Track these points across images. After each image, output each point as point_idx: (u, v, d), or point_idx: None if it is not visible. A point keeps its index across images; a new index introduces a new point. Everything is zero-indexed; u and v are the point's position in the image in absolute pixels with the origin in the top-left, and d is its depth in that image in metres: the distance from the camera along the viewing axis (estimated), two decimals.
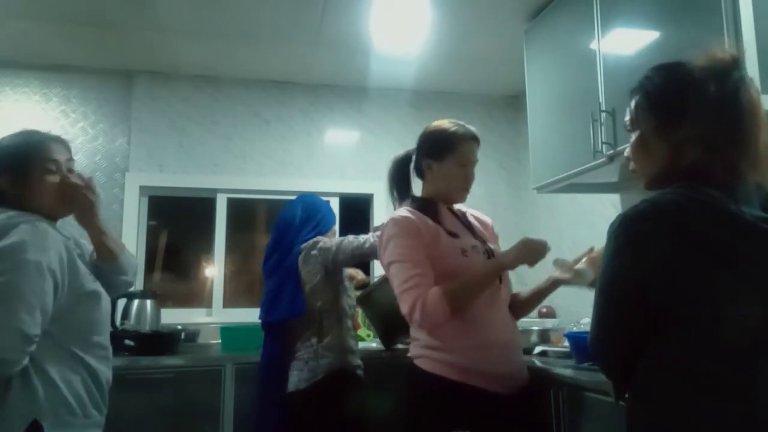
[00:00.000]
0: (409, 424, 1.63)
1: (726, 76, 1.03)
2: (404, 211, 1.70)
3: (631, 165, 1.18)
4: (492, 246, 1.79)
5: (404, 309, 1.59)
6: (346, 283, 2.29)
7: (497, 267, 1.63)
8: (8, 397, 1.31)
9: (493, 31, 2.85)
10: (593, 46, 2.14)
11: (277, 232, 2.32)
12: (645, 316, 1.02)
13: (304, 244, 2.22)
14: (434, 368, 1.59)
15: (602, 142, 2.04)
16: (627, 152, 1.18)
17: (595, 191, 2.60)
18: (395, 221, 1.67)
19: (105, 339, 1.50)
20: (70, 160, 1.56)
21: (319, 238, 2.23)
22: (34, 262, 1.33)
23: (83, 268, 1.46)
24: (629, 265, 1.02)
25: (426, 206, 1.73)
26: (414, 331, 1.68)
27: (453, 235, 1.68)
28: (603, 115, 2.05)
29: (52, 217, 1.49)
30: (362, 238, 2.16)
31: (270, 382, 2.19)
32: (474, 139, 1.77)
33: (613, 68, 2.04)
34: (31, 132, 1.55)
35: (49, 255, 1.36)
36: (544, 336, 2.38)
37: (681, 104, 1.05)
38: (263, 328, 2.28)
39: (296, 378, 2.10)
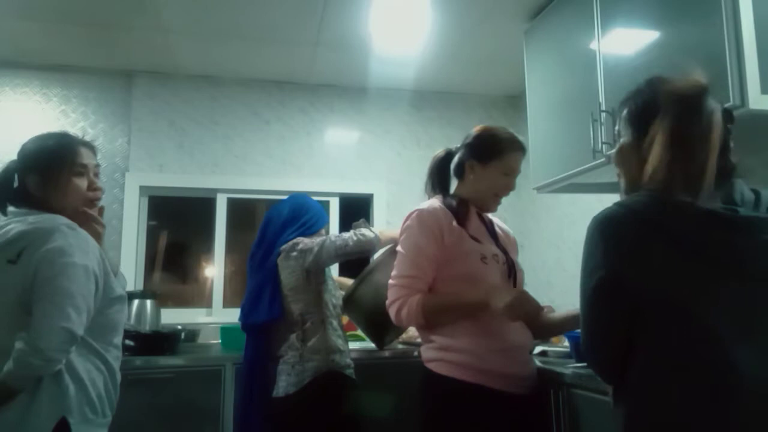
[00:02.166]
0: (430, 429, 1.62)
1: (685, 104, 1.07)
2: (433, 204, 1.70)
3: (616, 170, 1.24)
4: (514, 258, 1.81)
5: (387, 301, 1.66)
6: (330, 281, 2.25)
7: (483, 303, 1.56)
8: (40, 394, 1.34)
9: (493, 32, 2.85)
10: (593, 46, 2.14)
11: (261, 229, 2.29)
12: (629, 313, 1.05)
13: (283, 246, 2.18)
14: (451, 371, 1.58)
15: (602, 142, 2.04)
16: (612, 159, 1.25)
17: (595, 191, 2.60)
18: (420, 214, 1.68)
19: (120, 341, 1.54)
20: (98, 166, 1.60)
21: (299, 239, 2.18)
22: (82, 265, 1.38)
23: (112, 273, 1.51)
24: (602, 262, 1.06)
25: (457, 205, 1.73)
26: (427, 333, 1.68)
27: (476, 240, 1.69)
28: (603, 115, 2.05)
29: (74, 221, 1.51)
30: (345, 236, 2.14)
31: (254, 385, 2.16)
32: (522, 149, 1.78)
33: (613, 68, 2.04)
34: (62, 134, 1.59)
35: (92, 259, 1.42)
36: None
37: (648, 124, 1.11)
38: (243, 330, 2.24)
39: (284, 383, 2.07)
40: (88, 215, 1.53)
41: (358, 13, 2.68)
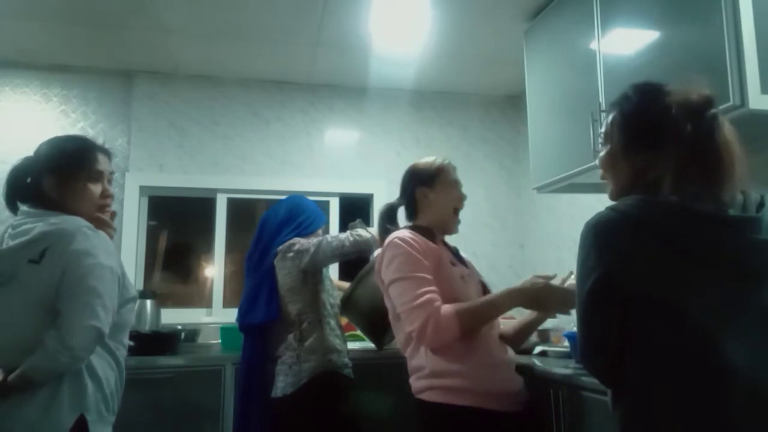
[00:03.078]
0: None
1: (701, 116, 1.07)
2: (406, 232, 1.72)
3: (601, 173, 1.25)
4: (483, 279, 1.86)
5: (413, 325, 1.56)
6: (327, 281, 2.25)
7: (514, 300, 1.60)
8: (61, 391, 1.36)
9: (493, 32, 2.85)
10: (593, 46, 2.14)
11: (258, 230, 2.30)
12: (623, 313, 1.05)
13: (280, 246, 2.18)
14: (446, 398, 1.56)
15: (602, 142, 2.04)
16: (597, 162, 1.25)
17: (595, 191, 2.60)
18: (401, 240, 1.67)
19: (127, 340, 1.58)
20: (112, 173, 1.63)
21: (295, 240, 2.18)
22: (108, 266, 1.42)
23: (126, 274, 1.55)
24: (596, 265, 1.07)
25: (425, 233, 1.76)
26: (415, 361, 1.64)
27: (451, 262, 1.73)
28: (603, 115, 2.05)
29: None
30: (342, 236, 2.14)
31: (253, 386, 2.16)
32: (451, 165, 1.88)
33: (613, 68, 2.04)
34: (82, 139, 1.62)
35: (114, 260, 1.46)
36: (544, 336, 2.38)
37: (653, 135, 1.11)
38: (241, 330, 2.25)
39: (282, 383, 2.08)
40: (101, 220, 1.56)
41: (358, 13, 2.68)
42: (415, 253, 1.64)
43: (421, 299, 1.56)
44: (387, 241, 1.72)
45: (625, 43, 2.00)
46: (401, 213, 1.91)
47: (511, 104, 3.72)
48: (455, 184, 1.86)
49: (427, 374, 1.60)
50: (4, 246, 1.43)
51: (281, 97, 3.47)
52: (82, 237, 1.41)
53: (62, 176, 1.51)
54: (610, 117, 1.21)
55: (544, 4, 2.54)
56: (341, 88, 3.53)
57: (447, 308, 1.56)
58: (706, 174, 1.05)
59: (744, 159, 1.07)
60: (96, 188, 1.55)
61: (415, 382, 1.65)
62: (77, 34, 2.86)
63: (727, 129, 1.08)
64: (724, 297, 1.00)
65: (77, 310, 1.35)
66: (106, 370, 1.46)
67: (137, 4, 2.58)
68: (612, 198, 1.21)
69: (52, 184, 1.50)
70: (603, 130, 1.24)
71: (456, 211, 1.85)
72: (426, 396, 1.60)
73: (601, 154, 1.23)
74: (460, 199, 1.87)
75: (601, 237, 1.08)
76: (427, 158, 1.91)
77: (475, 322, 1.59)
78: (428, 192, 1.82)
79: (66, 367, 1.35)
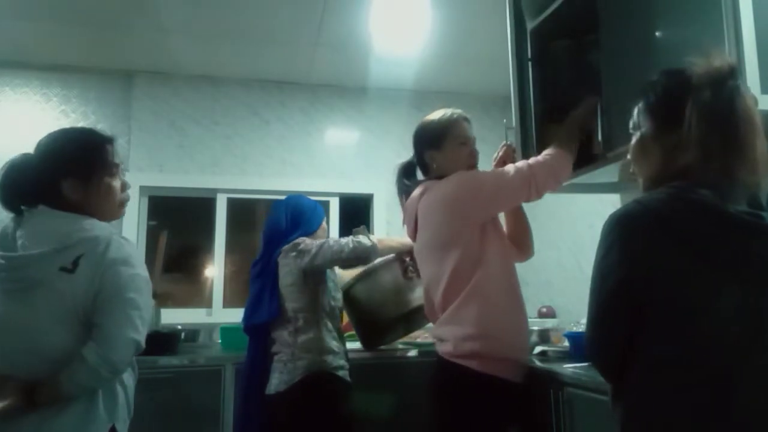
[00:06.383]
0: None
1: (722, 84, 1.05)
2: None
3: (632, 167, 1.21)
4: None
5: (527, 178, 1.69)
6: (330, 283, 2.24)
7: (572, 150, 1.77)
8: (97, 404, 1.32)
9: (493, 31, 2.85)
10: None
11: (265, 239, 2.30)
12: (636, 312, 1.04)
13: (285, 246, 2.19)
14: (497, 370, 1.55)
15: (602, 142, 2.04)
16: (629, 154, 1.21)
17: (595, 191, 2.60)
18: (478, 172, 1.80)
19: None
20: (121, 163, 1.52)
21: (301, 239, 2.18)
22: (144, 277, 1.37)
23: None
24: (618, 262, 1.05)
25: None
26: (469, 327, 1.58)
27: None
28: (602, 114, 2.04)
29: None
30: (343, 242, 2.13)
31: (253, 384, 2.17)
32: (464, 119, 1.83)
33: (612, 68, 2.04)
34: (89, 131, 1.50)
35: (146, 269, 1.40)
36: (544, 336, 2.38)
37: (677, 110, 1.07)
38: (246, 332, 2.25)
39: (277, 380, 2.07)
40: (117, 217, 1.49)
41: (358, 13, 2.68)
42: None
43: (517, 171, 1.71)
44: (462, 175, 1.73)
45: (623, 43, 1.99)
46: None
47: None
48: (466, 141, 1.80)
49: (480, 344, 1.56)
50: (21, 248, 1.33)
51: (281, 97, 3.47)
52: (116, 245, 1.33)
53: (83, 177, 1.40)
54: (638, 105, 1.17)
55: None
56: (341, 88, 3.53)
57: (534, 164, 1.72)
58: (725, 146, 1.01)
59: (763, 135, 1.02)
60: (117, 183, 1.46)
61: (460, 344, 1.58)
62: (77, 34, 2.86)
63: (750, 101, 1.04)
64: (742, 305, 0.97)
65: (118, 323, 1.29)
66: (129, 379, 1.42)
67: (137, 4, 2.58)
68: (643, 189, 1.17)
69: (72, 186, 1.39)
70: (632, 120, 1.20)
71: (471, 166, 1.80)
72: (474, 365, 1.55)
73: (631, 143, 1.19)
74: (471, 156, 1.81)
75: (625, 232, 1.05)
76: (436, 113, 1.84)
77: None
78: (436, 155, 1.79)
79: (106, 381, 1.31)
